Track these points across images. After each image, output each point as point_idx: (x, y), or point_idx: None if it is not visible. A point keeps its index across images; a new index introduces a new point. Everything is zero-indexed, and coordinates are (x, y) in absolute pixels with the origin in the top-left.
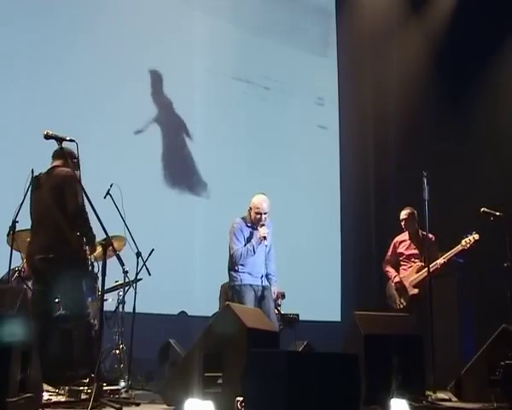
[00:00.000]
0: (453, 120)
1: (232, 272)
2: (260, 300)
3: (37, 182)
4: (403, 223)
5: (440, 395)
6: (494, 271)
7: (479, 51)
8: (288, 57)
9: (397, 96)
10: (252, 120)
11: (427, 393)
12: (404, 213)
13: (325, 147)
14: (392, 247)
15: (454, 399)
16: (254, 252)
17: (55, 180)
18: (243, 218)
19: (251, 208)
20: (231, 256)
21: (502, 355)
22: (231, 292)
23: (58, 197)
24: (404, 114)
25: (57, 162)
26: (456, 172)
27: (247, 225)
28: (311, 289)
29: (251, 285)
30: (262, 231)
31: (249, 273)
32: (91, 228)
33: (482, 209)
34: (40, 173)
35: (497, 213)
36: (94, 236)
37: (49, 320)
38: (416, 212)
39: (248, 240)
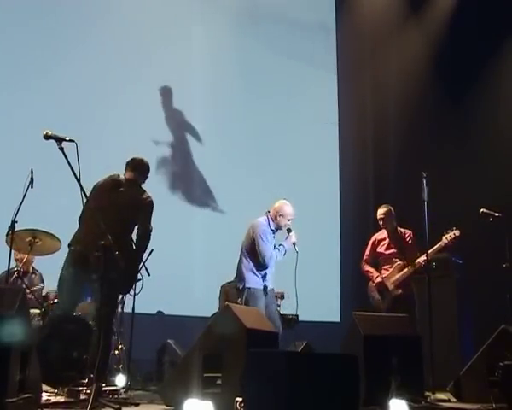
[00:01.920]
0: (453, 120)
1: (252, 274)
2: (266, 301)
3: (116, 183)
4: (381, 221)
5: (439, 395)
6: (493, 271)
7: (478, 51)
8: (287, 57)
9: (396, 97)
10: (251, 120)
11: (427, 393)
12: (381, 211)
13: (325, 147)
14: (370, 245)
15: (453, 399)
16: (285, 254)
17: (135, 200)
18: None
19: (282, 215)
20: (264, 258)
21: (501, 356)
22: (245, 293)
23: (130, 216)
24: (403, 114)
25: (133, 175)
26: (455, 173)
27: (271, 229)
28: (311, 289)
29: (263, 289)
30: (294, 236)
31: (269, 276)
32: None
33: (481, 210)
34: (119, 176)
35: (497, 214)
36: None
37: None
38: (392, 209)
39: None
